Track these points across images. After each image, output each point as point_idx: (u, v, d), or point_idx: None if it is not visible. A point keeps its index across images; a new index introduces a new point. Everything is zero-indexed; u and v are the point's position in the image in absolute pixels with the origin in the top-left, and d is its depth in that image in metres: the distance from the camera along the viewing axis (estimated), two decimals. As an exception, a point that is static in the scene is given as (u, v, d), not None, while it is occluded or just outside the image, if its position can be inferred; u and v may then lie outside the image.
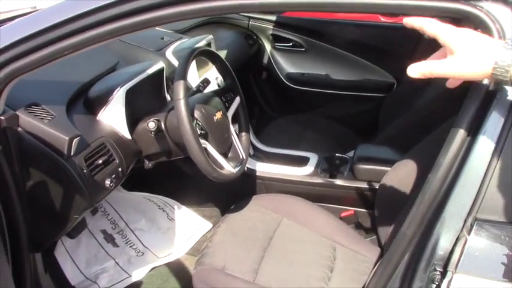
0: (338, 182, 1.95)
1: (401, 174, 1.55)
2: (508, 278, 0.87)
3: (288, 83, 2.84)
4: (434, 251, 0.95)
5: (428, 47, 2.48)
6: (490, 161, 0.89)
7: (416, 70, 0.83)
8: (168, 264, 1.99)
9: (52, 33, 1.07)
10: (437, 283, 0.93)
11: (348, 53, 2.72)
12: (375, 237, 1.75)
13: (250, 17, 2.79)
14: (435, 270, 0.94)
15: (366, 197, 1.89)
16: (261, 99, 2.95)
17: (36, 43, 1.08)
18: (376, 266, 1.42)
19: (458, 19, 0.95)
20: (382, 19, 3.00)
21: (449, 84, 0.89)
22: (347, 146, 2.21)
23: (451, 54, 0.80)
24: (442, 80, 1.93)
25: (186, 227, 2.15)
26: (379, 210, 1.64)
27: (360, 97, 2.70)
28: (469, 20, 0.92)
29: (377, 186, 1.70)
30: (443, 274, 0.93)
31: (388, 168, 1.67)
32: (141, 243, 2.05)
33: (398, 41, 2.60)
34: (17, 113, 1.22)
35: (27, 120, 1.23)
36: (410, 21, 0.86)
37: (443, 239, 0.94)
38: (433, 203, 0.97)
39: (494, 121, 0.88)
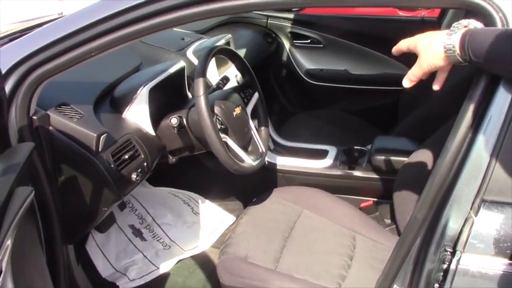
0: (357, 173, 1.98)
1: (417, 164, 1.57)
2: (513, 255, 0.91)
3: (307, 79, 2.88)
4: (444, 233, 0.99)
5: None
6: (495, 144, 0.92)
7: (408, 81, 1.04)
8: (193, 257, 2.05)
9: (78, 36, 1.14)
10: (447, 263, 0.97)
11: (365, 47, 2.75)
12: (393, 226, 1.77)
13: (268, 16, 2.83)
14: (445, 250, 0.98)
15: (384, 187, 1.91)
16: (281, 95, 2.99)
17: (63, 46, 1.15)
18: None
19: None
20: (400, 13, 3.02)
21: (437, 82, 1.04)
22: (366, 140, 2.24)
23: (419, 56, 0.99)
24: (457, 72, 1.95)
25: (210, 220, 2.21)
26: (397, 200, 1.66)
27: (379, 91, 2.72)
28: (474, 10, 0.96)
29: (395, 176, 1.73)
30: (453, 254, 0.96)
31: (405, 159, 1.70)
32: (168, 237, 2.11)
33: (415, 34, 2.61)
34: (48, 112, 1.30)
35: (57, 119, 1.31)
36: (398, 49, 1.07)
37: (452, 221, 0.98)
38: (443, 187, 1.00)
39: (499, 106, 0.91)
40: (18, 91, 1.17)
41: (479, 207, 0.94)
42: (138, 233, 2.11)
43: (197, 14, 1.09)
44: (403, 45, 1.04)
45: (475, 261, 0.94)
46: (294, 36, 2.86)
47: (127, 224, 2.12)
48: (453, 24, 0.93)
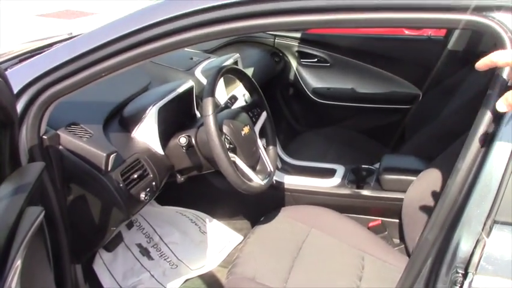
0: (365, 192, 1.97)
1: (426, 183, 1.57)
2: (526, 277, 0.90)
3: (314, 97, 2.89)
4: (455, 254, 0.98)
5: (452, 57, 2.51)
6: (507, 164, 0.91)
7: (507, 105, 0.82)
8: (201, 276, 2.04)
9: (89, 57, 1.15)
10: (459, 285, 0.96)
11: (372, 66, 2.76)
12: (403, 246, 1.76)
13: (275, 35, 2.86)
14: (457, 272, 0.97)
15: (392, 207, 1.90)
16: (288, 114, 3.00)
17: (74, 67, 1.16)
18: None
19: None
20: (406, 32, 3.04)
21: None
22: (374, 158, 2.23)
23: None
24: (466, 91, 1.96)
25: (217, 239, 2.20)
26: (406, 219, 1.65)
27: (386, 109, 2.73)
28: (483, 31, 0.96)
29: (403, 195, 1.72)
30: (465, 276, 0.95)
31: (414, 178, 1.69)
32: (175, 256, 2.10)
33: (422, 52, 2.63)
34: (58, 132, 1.31)
35: (67, 139, 1.32)
36: (492, 63, 0.83)
37: (464, 242, 0.97)
38: (453, 208, 0.99)
39: (510, 125, 0.91)
40: (29, 111, 1.19)
41: (491, 229, 0.94)
42: (145, 251, 2.10)
43: (207, 35, 1.10)
44: (499, 59, 0.81)
45: (487, 283, 0.93)
46: (301, 55, 2.88)
47: (134, 243, 2.12)
48: None
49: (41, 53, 1.30)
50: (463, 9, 0.92)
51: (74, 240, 1.36)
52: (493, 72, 0.93)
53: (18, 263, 0.86)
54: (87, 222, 1.40)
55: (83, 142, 1.33)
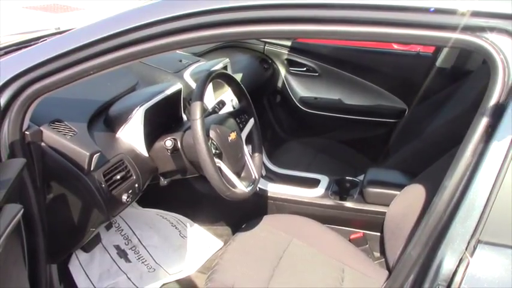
0: (348, 204, 1.97)
1: (409, 198, 1.57)
2: (508, 299, 0.90)
3: (301, 106, 2.90)
4: (438, 272, 0.98)
5: (439, 74, 2.52)
6: (494, 185, 0.91)
7: None
8: (178, 281, 2.01)
9: (78, 54, 1.13)
10: (440, 303, 0.96)
11: (360, 78, 2.77)
12: (383, 259, 1.76)
13: (265, 42, 2.85)
14: (439, 290, 0.97)
15: (375, 220, 1.90)
16: (274, 122, 2.99)
17: (62, 63, 1.14)
18: (383, 288, 1.44)
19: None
20: (395, 46, 3.06)
21: None
22: (358, 170, 2.24)
23: None
24: (452, 109, 1.97)
25: (197, 244, 2.18)
26: (388, 233, 1.65)
27: (372, 122, 2.75)
28: (476, 50, 0.96)
29: (386, 209, 1.72)
30: (447, 294, 0.95)
31: (398, 192, 1.70)
32: (153, 259, 2.08)
33: (410, 68, 2.65)
34: (41, 128, 1.28)
35: (50, 136, 1.29)
36: None
37: (447, 260, 0.97)
38: (438, 225, 0.99)
39: (498, 146, 0.91)
40: (13, 105, 1.16)
41: (474, 248, 0.94)
42: (123, 254, 2.07)
43: (199, 39, 1.09)
44: None
45: (469, 302, 0.93)
46: (290, 63, 2.89)
47: (112, 244, 2.08)
48: None
49: (28, 46, 1.27)
50: (456, 28, 0.93)
51: (51, 239, 1.33)
52: (480, 91, 0.94)
53: (-7, 261, 0.84)
54: (66, 222, 1.37)
55: (66, 140, 1.30)
